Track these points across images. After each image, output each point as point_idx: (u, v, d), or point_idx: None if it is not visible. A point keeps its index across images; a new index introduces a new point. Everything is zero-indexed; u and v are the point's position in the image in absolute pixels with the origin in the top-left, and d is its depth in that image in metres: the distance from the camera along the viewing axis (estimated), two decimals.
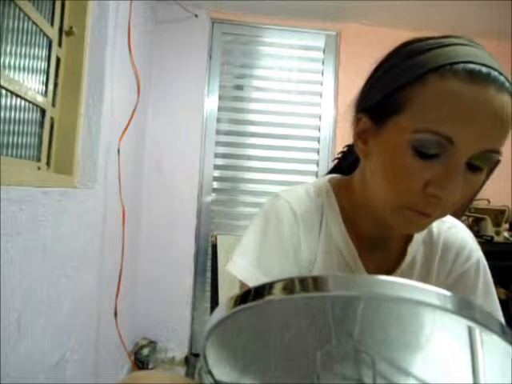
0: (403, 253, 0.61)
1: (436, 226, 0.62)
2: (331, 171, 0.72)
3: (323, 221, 0.60)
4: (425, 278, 0.60)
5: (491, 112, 0.43)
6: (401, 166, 0.47)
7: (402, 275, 0.60)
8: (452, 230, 0.62)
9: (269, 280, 0.57)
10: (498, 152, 0.46)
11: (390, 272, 0.60)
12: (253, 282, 0.56)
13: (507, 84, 0.44)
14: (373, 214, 0.56)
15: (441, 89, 0.44)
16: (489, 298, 0.60)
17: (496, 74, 0.43)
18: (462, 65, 0.43)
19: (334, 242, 0.60)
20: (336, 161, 0.73)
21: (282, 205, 0.59)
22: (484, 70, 0.43)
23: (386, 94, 0.49)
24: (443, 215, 0.50)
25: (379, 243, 0.61)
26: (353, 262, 0.60)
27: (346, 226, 0.60)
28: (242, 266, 0.57)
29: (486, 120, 0.43)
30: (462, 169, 0.45)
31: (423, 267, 0.61)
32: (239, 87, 2.32)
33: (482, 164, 0.46)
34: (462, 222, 2.16)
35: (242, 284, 0.58)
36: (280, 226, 0.58)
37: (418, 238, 0.61)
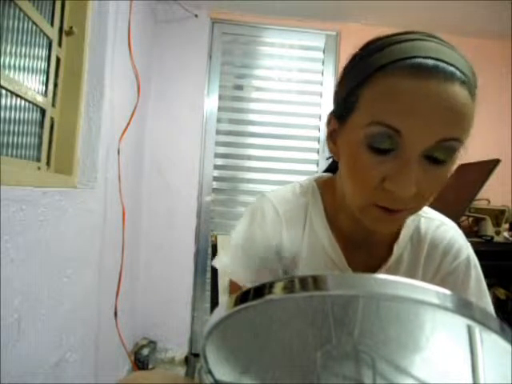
0: (390, 251, 0.61)
1: (424, 224, 0.62)
2: (325, 170, 0.73)
3: (307, 219, 0.62)
4: (411, 276, 0.60)
5: (437, 104, 0.43)
6: (359, 162, 0.48)
7: (388, 273, 0.60)
8: (440, 228, 0.62)
9: (249, 275, 0.59)
10: (456, 140, 0.45)
11: (375, 269, 0.61)
12: (234, 275, 0.63)
13: (458, 73, 0.44)
14: (352, 212, 0.57)
15: (387, 85, 0.45)
16: (480, 296, 0.59)
17: (444, 65, 0.43)
18: (407, 61, 0.44)
19: (319, 240, 0.62)
20: (330, 160, 0.74)
21: (265, 204, 0.63)
22: (430, 63, 0.43)
23: (346, 93, 0.51)
24: (412, 210, 0.50)
25: (364, 241, 0.61)
26: (338, 260, 0.61)
27: (330, 224, 0.62)
28: (225, 261, 0.64)
29: (432, 112, 0.43)
30: (416, 162, 0.45)
31: (409, 265, 0.61)
32: (239, 87, 2.32)
33: (442, 155, 0.46)
34: (462, 222, 2.14)
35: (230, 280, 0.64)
36: (263, 224, 0.62)
37: (405, 235, 0.61)
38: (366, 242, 0.61)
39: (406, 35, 0.48)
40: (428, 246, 0.61)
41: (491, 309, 0.59)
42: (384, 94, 0.45)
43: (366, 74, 0.47)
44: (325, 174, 0.70)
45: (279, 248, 0.61)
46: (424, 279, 0.61)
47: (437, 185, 0.48)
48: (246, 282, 0.62)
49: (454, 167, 0.49)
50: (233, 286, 0.65)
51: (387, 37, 0.49)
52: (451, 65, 0.44)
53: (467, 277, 0.59)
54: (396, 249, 0.60)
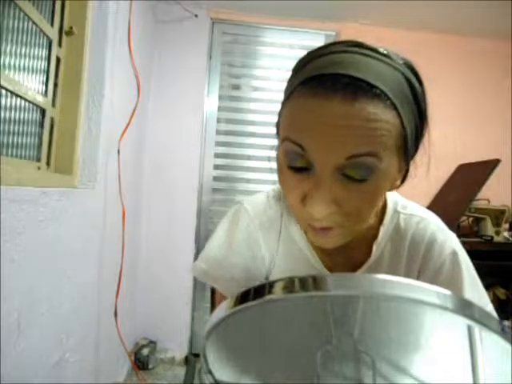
0: (369, 251, 0.60)
1: (403, 221, 0.61)
2: None
3: (282, 225, 0.63)
4: (392, 275, 0.59)
5: (336, 122, 0.42)
6: (284, 181, 0.49)
7: (368, 273, 0.59)
8: (420, 224, 0.61)
9: (228, 283, 0.59)
10: (370, 155, 0.43)
11: (354, 271, 0.60)
12: (214, 283, 0.65)
13: (366, 87, 0.42)
14: None
15: (295, 104, 0.46)
16: (476, 286, 0.58)
17: (347, 80, 0.42)
18: (312, 79, 0.44)
19: (296, 244, 0.62)
20: None
21: (241, 214, 0.64)
22: (329, 81, 0.43)
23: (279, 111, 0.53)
24: (349, 227, 0.48)
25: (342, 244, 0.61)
26: (316, 264, 0.61)
27: None
28: (202, 270, 0.65)
29: (332, 130, 0.42)
30: (330, 180, 0.44)
31: (390, 264, 0.60)
32: (239, 87, 2.32)
33: (358, 172, 0.44)
34: (462, 222, 2.13)
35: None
36: (240, 234, 0.63)
37: (385, 234, 0.60)
38: (345, 244, 0.59)
39: (329, 48, 0.47)
40: (409, 244, 0.60)
41: (486, 298, 0.59)
42: (291, 112, 0.46)
43: (287, 93, 0.49)
44: None
45: (257, 258, 0.63)
46: (408, 277, 0.60)
47: (363, 201, 0.46)
48: (226, 293, 0.63)
49: (386, 181, 0.47)
50: (217, 295, 0.67)
51: (314, 51, 0.49)
52: (359, 79, 0.42)
53: (458, 269, 0.58)
54: (375, 249, 0.60)
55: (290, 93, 0.47)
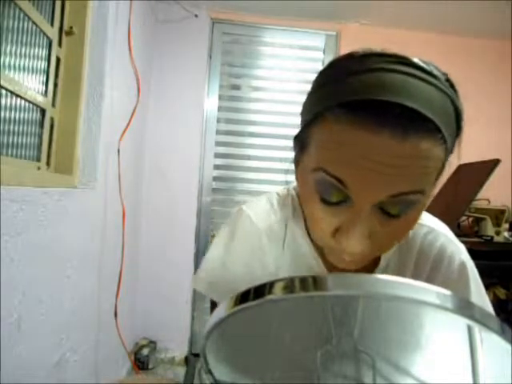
0: (376, 260, 0.58)
1: (413, 230, 0.58)
2: None
3: (287, 233, 0.60)
4: None
5: (383, 160, 0.38)
6: (313, 211, 0.46)
7: None
8: (429, 235, 0.59)
9: (232, 295, 0.58)
10: (416, 192, 0.40)
11: None
12: (216, 296, 0.60)
13: (422, 123, 0.38)
14: None
15: (333, 131, 0.41)
16: (483, 300, 0.58)
17: (399, 111, 0.37)
18: (356, 106, 0.39)
19: (301, 253, 0.59)
20: None
21: (244, 220, 0.60)
22: (377, 110, 0.37)
23: (303, 125, 0.47)
24: (372, 256, 0.47)
25: None
26: (320, 272, 0.59)
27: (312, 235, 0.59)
28: (205, 282, 0.60)
29: (379, 168, 0.39)
30: (367, 216, 0.41)
31: (396, 273, 0.58)
32: (239, 87, 2.32)
33: (399, 209, 0.42)
34: (462, 222, 2.12)
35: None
36: (243, 241, 0.59)
37: None
38: None
39: (368, 61, 0.40)
40: (417, 254, 0.59)
41: (491, 309, 0.58)
42: (329, 140, 0.41)
43: (318, 110, 0.43)
44: None
45: (263, 266, 0.59)
46: None
47: (397, 236, 0.45)
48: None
49: (422, 211, 0.45)
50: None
51: (348, 60, 0.43)
52: (412, 110, 0.37)
53: (466, 281, 0.57)
54: (383, 259, 0.58)
55: (323, 112, 0.42)
